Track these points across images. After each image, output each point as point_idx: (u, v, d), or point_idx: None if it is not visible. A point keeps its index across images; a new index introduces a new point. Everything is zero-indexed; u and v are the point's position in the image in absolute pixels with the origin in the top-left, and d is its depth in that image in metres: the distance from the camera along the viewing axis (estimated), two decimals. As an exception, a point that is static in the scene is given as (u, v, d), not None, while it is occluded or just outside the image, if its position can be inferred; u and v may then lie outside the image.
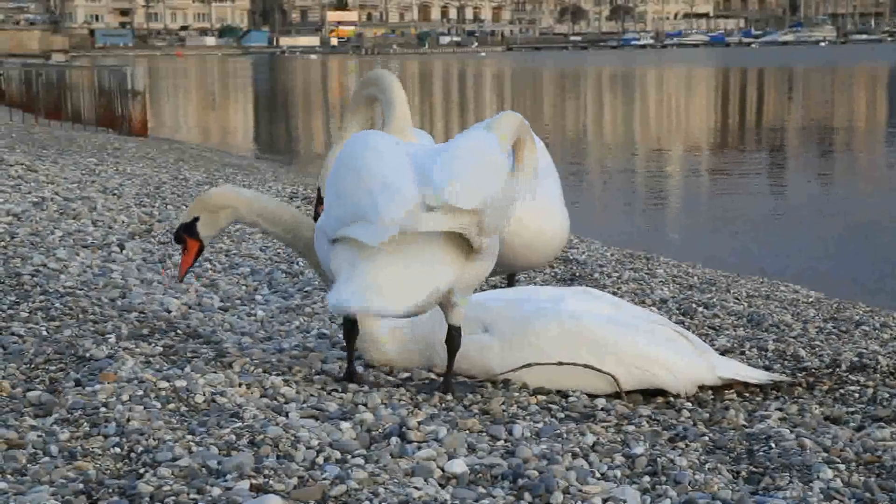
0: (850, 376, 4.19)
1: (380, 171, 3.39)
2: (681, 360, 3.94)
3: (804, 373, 4.28)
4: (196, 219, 3.91)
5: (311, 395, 3.53)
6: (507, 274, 5.18)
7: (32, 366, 3.53)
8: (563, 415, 3.62)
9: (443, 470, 2.87)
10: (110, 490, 2.58)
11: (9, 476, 2.65)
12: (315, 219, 4.39)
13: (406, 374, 3.98)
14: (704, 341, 4.61)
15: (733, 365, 4.11)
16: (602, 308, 4.04)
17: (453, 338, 3.68)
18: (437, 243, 3.37)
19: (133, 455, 2.82)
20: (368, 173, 3.40)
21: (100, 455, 2.81)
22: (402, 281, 3.32)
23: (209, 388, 3.36)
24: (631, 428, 3.48)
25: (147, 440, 2.88)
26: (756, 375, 4.07)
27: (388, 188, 3.31)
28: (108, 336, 3.94)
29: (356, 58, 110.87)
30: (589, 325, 3.91)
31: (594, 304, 4.06)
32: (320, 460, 2.87)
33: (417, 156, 3.48)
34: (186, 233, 3.92)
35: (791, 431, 3.43)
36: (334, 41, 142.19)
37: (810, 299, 6.81)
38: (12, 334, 3.88)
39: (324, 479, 2.71)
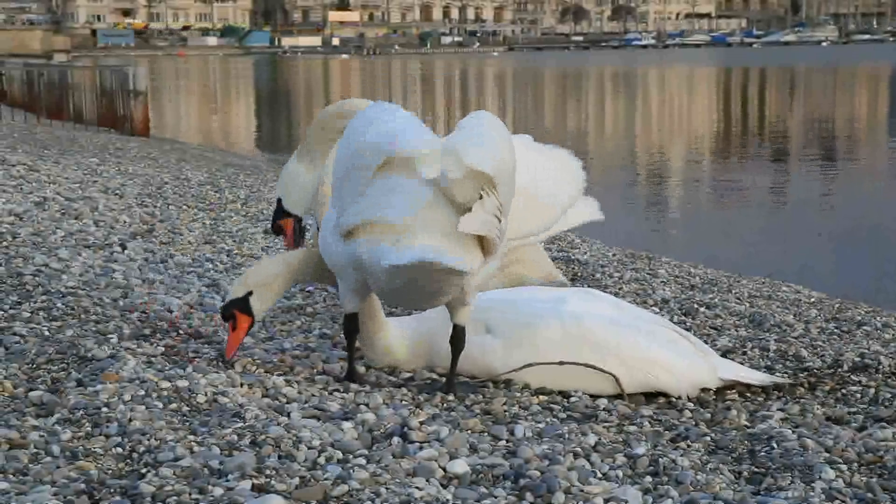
0: (851, 376, 4.19)
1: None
2: (682, 362, 3.94)
3: (806, 373, 4.28)
4: (249, 293, 3.79)
5: (313, 395, 3.53)
6: None
7: (34, 366, 3.53)
8: (564, 415, 3.62)
9: (444, 470, 2.87)
10: (112, 490, 2.59)
11: (11, 476, 2.65)
12: (275, 230, 4.30)
13: (408, 374, 3.98)
14: (706, 342, 4.61)
15: (734, 367, 4.11)
16: (604, 309, 4.04)
17: (458, 338, 3.68)
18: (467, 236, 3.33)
19: (135, 455, 2.82)
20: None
21: (102, 455, 2.81)
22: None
23: (211, 389, 3.36)
24: (633, 428, 3.48)
25: (149, 440, 2.88)
26: (757, 377, 4.07)
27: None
28: (109, 336, 3.94)
29: (359, 58, 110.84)
30: (591, 326, 3.91)
31: (596, 305, 4.06)
32: (322, 460, 2.87)
33: None
34: (238, 308, 3.78)
35: (793, 432, 3.43)
36: (336, 41, 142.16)
37: (812, 299, 6.81)
38: (14, 334, 3.88)
39: (325, 479, 2.71)
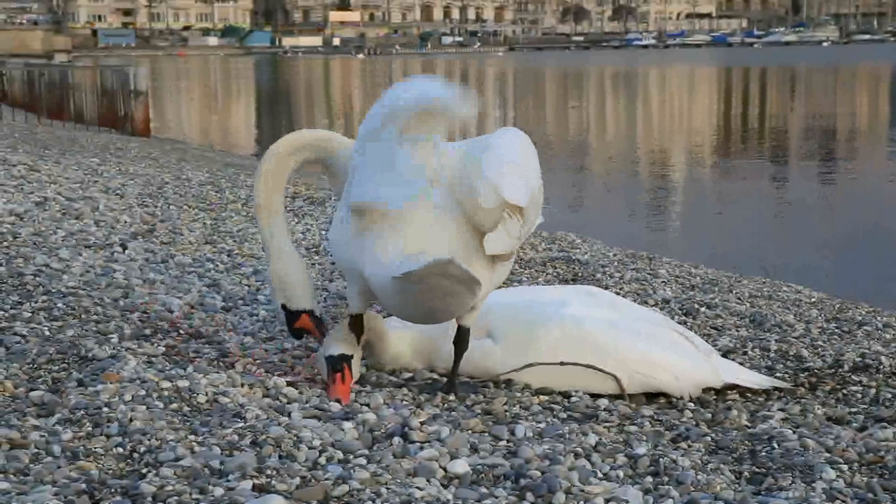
0: (852, 377, 4.19)
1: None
2: (684, 363, 3.94)
3: (807, 373, 4.28)
4: (351, 356, 3.72)
5: (314, 396, 3.53)
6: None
7: (35, 366, 3.53)
8: (565, 415, 3.62)
9: (445, 470, 2.87)
10: (113, 490, 2.59)
11: (11, 476, 2.65)
12: (297, 336, 4.18)
13: (408, 375, 3.98)
14: (707, 342, 4.61)
15: (735, 369, 4.11)
16: (604, 312, 4.04)
17: (462, 338, 3.68)
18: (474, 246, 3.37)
19: (136, 455, 2.82)
20: None
21: (102, 455, 2.81)
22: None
23: (212, 389, 3.36)
24: (633, 428, 3.48)
25: (150, 440, 2.88)
26: (758, 380, 4.07)
27: None
28: (110, 336, 3.94)
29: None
30: (591, 329, 3.91)
31: (596, 307, 4.06)
32: (323, 460, 2.87)
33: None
34: (348, 364, 3.70)
35: (794, 432, 3.43)
36: (337, 41, 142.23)
37: (813, 300, 6.80)
38: (15, 334, 3.88)
39: (326, 479, 2.71)
